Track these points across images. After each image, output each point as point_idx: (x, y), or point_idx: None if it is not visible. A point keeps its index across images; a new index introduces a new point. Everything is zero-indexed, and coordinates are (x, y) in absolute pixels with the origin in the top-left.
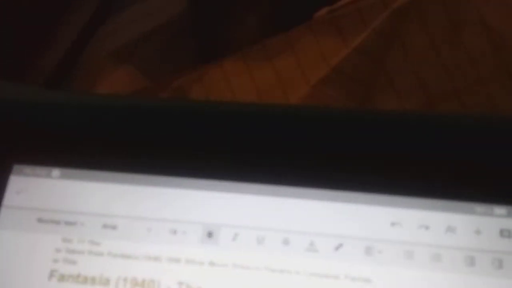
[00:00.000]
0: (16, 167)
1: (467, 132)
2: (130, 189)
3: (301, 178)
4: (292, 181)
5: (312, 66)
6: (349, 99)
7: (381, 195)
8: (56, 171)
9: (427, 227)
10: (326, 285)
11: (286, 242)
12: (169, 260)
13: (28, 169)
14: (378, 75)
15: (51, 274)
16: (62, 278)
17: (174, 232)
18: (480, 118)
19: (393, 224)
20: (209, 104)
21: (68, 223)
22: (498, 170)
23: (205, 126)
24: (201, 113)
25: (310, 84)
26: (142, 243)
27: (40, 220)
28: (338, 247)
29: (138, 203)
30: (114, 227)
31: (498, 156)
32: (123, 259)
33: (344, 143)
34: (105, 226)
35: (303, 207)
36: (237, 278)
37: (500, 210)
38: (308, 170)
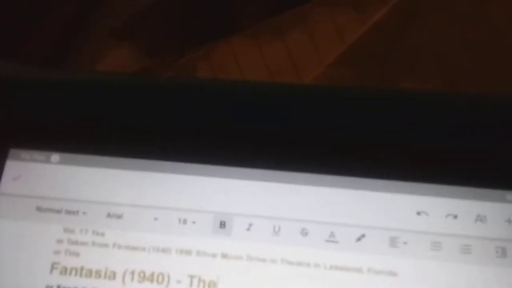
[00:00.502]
0: (12, 152)
1: (498, 115)
2: (136, 176)
3: (320, 164)
4: (310, 167)
5: (327, 44)
6: (366, 79)
7: (406, 183)
8: (55, 156)
9: (455, 216)
10: (348, 279)
11: (304, 232)
12: (179, 252)
13: (25, 153)
14: (398, 54)
15: (53, 266)
16: (64, 271)
17: (184, 221)
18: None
19: (419, 213)
20: (220, 84)
21: (70, 212)
22: None
23: (216, 107)
24: (212, 93)
25: (325, 63)
26: (150, 233)
27: (39, 209)
28: (360, 238)
29: (145, 191)
30: (119, 216)
31: None
32: (129, 250)
33: (366, 127)
34: (109, 215)
35: (322, 195)
36: (252, 271)
37: None
38: (327, 156)
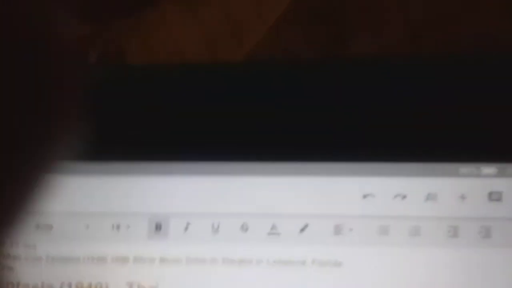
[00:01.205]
0: None
1: (447, 78)
2: (63, 180)
3: (255, 151)
4: (244, 156)
5: (269, 1)
6: (315, 39)
7: (348, 164)
8: None
9: (404, 197)
10: (292, 273)
11: (244, 228)
12: (115, 260)
13: None
14: (350, 7)
15: None
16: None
17: (117, 227)
18: (464, 59)
19: (364, 196)
20: (146, 68)
21: None
22: (485, 122)
23: (142, 95)
24: (137, 79)
25: (268, 24)
26: (83, 242)
27: None
28: (303, 229)
29: (73, 196)
30: (49, 227)
31: (484, 104)
32: (63, 262)
33: (299, 105)
34: (38, 226)
35: (260, 186)
36: (193, 273)
37: (488, 169)
38: (262, 142)
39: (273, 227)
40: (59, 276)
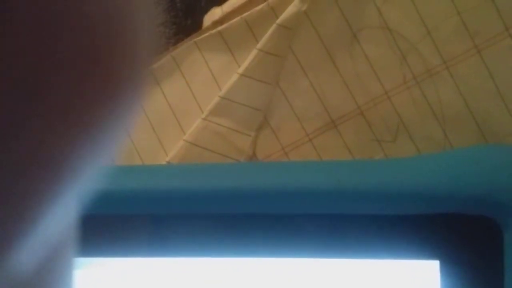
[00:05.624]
0: None
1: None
2: None
3: None
4: None
5: (204, 91)
6: (245, 128)
7: None
8: None
9: None
10: None
11: None
12: None
13: None
14: (276, 98)
15: None
16: None
17: None
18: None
19: None
20: None
21: None
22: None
23: None
24: None
25: (203, 115)
26: None
27: None
28: None
29: None
30: None
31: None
32: None
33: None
34: None
35: None
36: None
37: None
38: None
39: None
40: None
